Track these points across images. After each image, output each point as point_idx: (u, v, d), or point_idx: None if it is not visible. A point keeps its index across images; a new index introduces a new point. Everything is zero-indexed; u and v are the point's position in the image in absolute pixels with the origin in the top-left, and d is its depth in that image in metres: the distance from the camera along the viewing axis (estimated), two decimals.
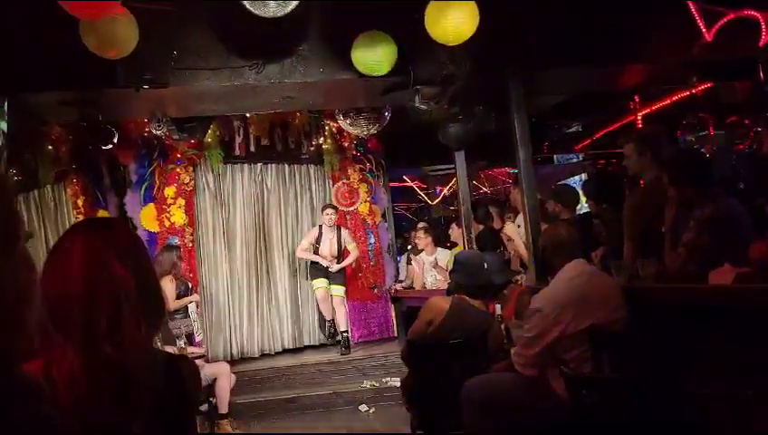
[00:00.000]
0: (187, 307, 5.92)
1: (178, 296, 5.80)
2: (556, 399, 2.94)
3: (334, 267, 6.98)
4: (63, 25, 3.61)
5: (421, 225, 7.66)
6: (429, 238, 7.15)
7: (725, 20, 4.40)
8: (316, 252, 7.01)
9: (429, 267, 6.98)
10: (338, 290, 7.04)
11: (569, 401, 2.86)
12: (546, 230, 3.71)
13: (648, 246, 3.40)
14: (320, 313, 7.39)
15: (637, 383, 2.70)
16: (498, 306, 4.19)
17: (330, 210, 7.03)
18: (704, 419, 2.73)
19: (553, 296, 3.06)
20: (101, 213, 6.88)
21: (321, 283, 7.05)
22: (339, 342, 7.02)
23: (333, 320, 7.12)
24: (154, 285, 1.40)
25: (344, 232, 7.18)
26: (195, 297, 6.09)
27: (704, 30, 4.45)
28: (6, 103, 4.00)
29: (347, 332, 7.06)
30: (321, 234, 7.08)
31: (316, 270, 7.06)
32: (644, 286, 3.29)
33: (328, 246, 7.02)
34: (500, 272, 3.99)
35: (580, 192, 5.65)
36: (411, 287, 7.33)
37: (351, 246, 7.12)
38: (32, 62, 4.01)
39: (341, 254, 7.08)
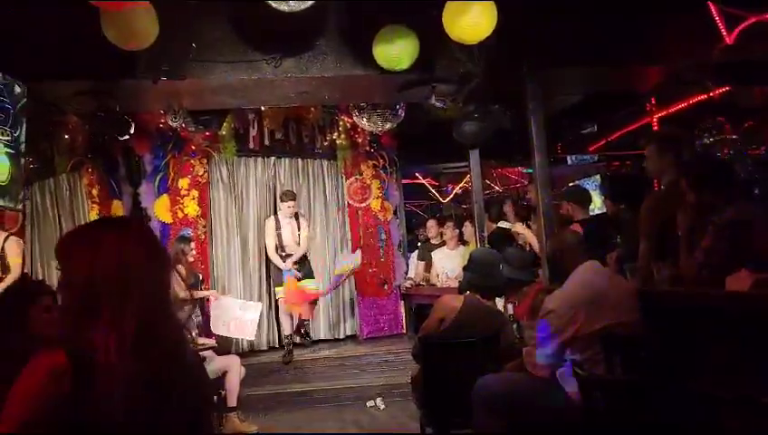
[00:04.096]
0: (197, 299, 5.96)
1: (189, 287, 5.81)
2: (568, 400, 2.93)
3: (298, 253, 6.73)
4: (83, 16, 3.64)
5: (431, 222, 7.70)
6: (457, 232, 7.14)
7: (746, 24, 4.36)
8: (279, 240, 6.76)
9: (447, 262, 6.97)
10: (309, 284, 6.75)
11: (581, 402, 2.85)
12: (553, 237, 3.70)
13: (664, 250, 3.38)
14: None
15: (649, 386, 2.69)
16: (510, 305, 4.18)
17: (291, 202, 6.74)
18: (715, 423, 2.72)
19: (566, 297, 3.06)
20: (116, 203, 6.94)
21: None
22: (304, 337, 6.97)
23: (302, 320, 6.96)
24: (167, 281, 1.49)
25: (301, 219, 6.98)
26: (212, 292, 6.17)
27: (724, 33, 4.41)
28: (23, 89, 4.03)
29: (307, 320, 7.03)
30: (278, 222, 6.83)
31: (282, 272, 6.71)
32: (659, 290, 3.27)
33: (289, 231, 6.77)
34: (520, 270, 3.97)
35: (596, 193, 5.63)
36: (420, 285, 7.33)
37: (304, 234, 6.86)
38: (50, 52, 4.04)
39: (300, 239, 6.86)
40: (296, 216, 6.89)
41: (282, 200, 6.85)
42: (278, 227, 6.77)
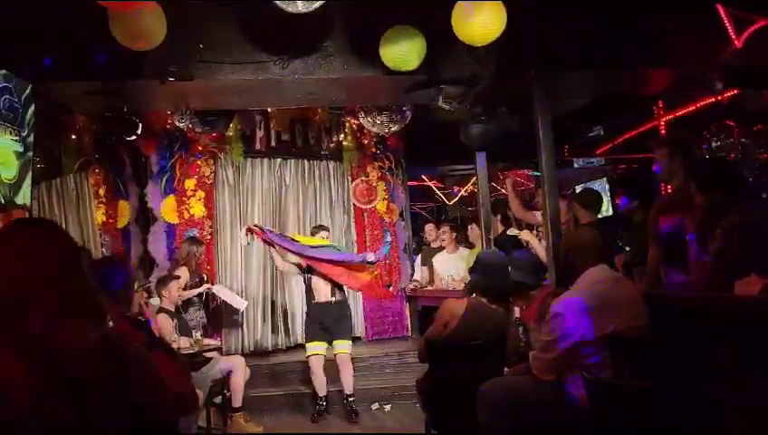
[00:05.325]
0: (202, 300, 5.95)
1: (191, 287, 5.78)
2: (574, 404, 2.92)
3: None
4: (91, 16, 3.65)
5: (429, 226, 7.70)
6: (455, 235, 7.13)
7: (756, 27, 4.33)
8: (309, 284, 5.89)
9: (448, 266, 6.95)
10: (343, 346, 5.73)
11: (588, 406, 2.84)
12: (570, 233, 3.66)
13: (673, 253, 3.36)
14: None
15: (656, 390, 2.67)
16: (516, 309, 4.16)
17: (324, 232, 6.03)
18: (720, 428, 2.71)
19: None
20: (122, 203, 6.95)
21: (317, 347, 5.70)
22: (351, 415, 5.67)
23: (327, 394, 5.79)
24: (82, 282, 1.43)
25: None
26: (204, 287, 6.03)
27: (733, 36, 4.38)
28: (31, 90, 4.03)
29: (353, 396, 5.75)
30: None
31: (314, 328, 5.77)
32: (667, 294, 3.26)
33: (322, 281, 5.84)
34: (528, 273, 3.95)
35: (603, 194, 5.60)
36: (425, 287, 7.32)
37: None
38: (58, 52, 4.05)
39: (339, 286, 5.88)
40: None
41: (312, 235, 6.13)
42: (311, 271, 5.89)
